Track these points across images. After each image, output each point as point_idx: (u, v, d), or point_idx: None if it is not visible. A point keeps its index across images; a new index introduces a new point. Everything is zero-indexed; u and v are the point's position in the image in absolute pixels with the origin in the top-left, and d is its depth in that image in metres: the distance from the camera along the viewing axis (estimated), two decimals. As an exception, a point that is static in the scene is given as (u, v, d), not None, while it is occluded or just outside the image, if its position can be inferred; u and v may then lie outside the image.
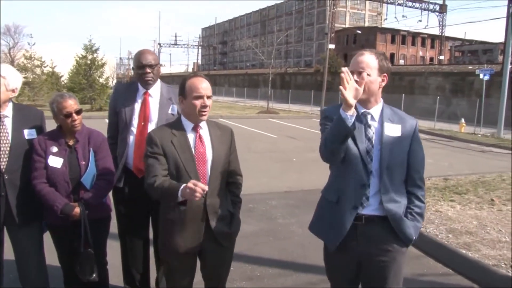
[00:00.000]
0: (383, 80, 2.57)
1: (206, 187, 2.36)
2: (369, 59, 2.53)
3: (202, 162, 2.72)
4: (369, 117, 2.59)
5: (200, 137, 2.74)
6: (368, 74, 2.50)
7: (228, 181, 2.94)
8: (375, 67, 2.52)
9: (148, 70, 3.47)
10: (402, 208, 2.58)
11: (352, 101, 2.30)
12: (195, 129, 2.74)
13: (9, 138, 3.10)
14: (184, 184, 2.44)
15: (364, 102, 2.57)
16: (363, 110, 2.59)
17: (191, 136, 2.73)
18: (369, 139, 2.55)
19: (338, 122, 2.33)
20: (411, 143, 2.60)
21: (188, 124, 2.74)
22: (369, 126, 2.57)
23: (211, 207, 2.73)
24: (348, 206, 2.61)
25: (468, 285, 4.51)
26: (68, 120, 3.08)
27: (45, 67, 30.02)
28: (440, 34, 54.73)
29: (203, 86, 2.67)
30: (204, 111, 2.67)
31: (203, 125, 2.80)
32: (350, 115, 2.30)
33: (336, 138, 2.38)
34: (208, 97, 2.68)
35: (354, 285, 2.78)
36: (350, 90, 2.30)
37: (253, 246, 5.28)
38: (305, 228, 6.00)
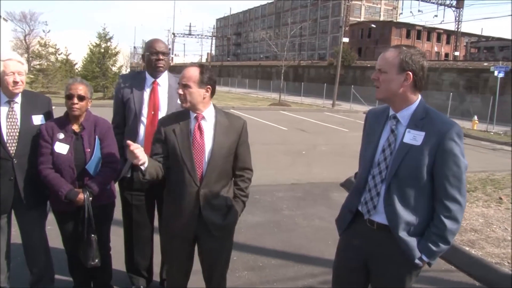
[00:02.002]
0: (406, 79, 2.33)
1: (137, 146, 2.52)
2: (389, 56, 2.37)
3: (200, 152, 2.76)
4: (394, 121, 2.44)
5: (199, 126, 2.78)
6: (384, 72, 2.38)
7: (236, 173, 2.96)
8: (395, 64, 2.34)
9: (161, 57, 3.50)
10: (404, 225, 2.36)
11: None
12: (197, 118, 2.79)
13: (18, 123, 3.19)
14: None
15: (389, 103, 2.47)
16: (391, 113, 2.47)
17: (192, 125, 2.79)
18: (389, 145, 2.42)
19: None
20: (436, 155, 2.29)
21: (192, 114, 2.80)
22: (393, 131, 2.43)
23: (204, 196, 2.77)
24: (346, 208, 2.66)
25: (470, 282, 4.52)
26: (68, 102, 3.13)
27: (59, 54, 30.29)
28: (456, 29, 53.98)
29: (183, 75, 2.74)
30: (181, 100, 2.76)
31: (209, 114, 2.83)
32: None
33: None
34: (184, 86, 2.72)
35: (357, 281, 2.65)
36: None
37: (257, 237, 5.32)
38: (310, 220, 6.13)
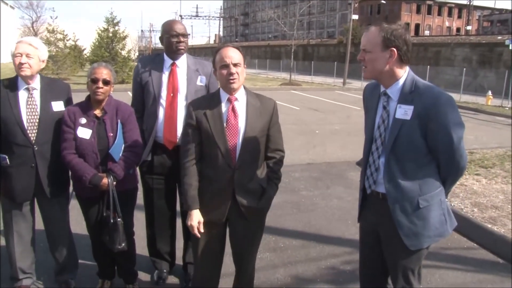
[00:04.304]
0: (391, 56, 2.36)
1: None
2: (371, 35, 2.39)
3: (234, 134, 2.70)
4: (386, 97, 2.48)
5: (233, 108, 2.72)
6: (369, 51, 2.40)
7: (268, 155, 2.90)
8: (378, 42, 2.36)
9: (182, 39, 3.44)
10: (405, 202, 2.46)
11: None
12: (230, 100, 2.72)
13: (38, 110, 3.16)
14: (195, 210, 2.75)
15: (379, 80, 2.51)
16: (382, 90, 2.51)
17: (224, 108, 2.72)
18: (383, 122, 2.48)
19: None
20: (426, 128, 2.34)
21: (224, 96, 2.73)
22: (385, 108, 2.48)
23: (238, 179, 2.73)
24: (360, 186, 2.74)
25: (493, 259, 4.48)
26: (93, 86, 3.09)
27: (67, 40, 30.25)
28: (468, 3, 53.06)
29: (229, 54, 2.64)
30: (231, 79, 2.63)
31: (241, 96, 2.77)
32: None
33: None
34: (235, 65, 2.63)
35: (375, 255, 2.74)
36: None
37: (276, 218, 5.30)
38: (329, 200, 6.11)
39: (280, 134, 2.96)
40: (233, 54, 2.64)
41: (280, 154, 2.95)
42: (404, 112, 2.37)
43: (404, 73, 2.44)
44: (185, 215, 3.02)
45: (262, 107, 2.81)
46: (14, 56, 3.07)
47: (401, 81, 2.43)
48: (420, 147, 2.40)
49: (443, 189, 2.54)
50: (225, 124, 2.69)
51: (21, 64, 3.06)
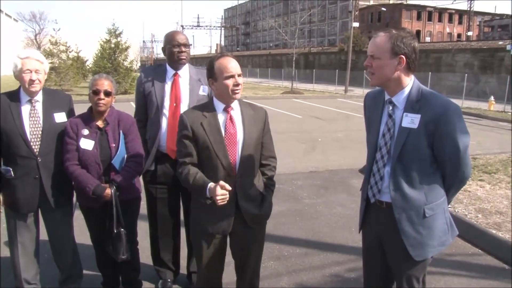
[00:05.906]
0: (399, 63, 2.33)
1: (229, 188, 2.54)
2: (380, 42, 2.36)
3: (233, 144, 2.69)
4: (391, 106, 2.45)
5: (231, 118, 2.72)
6: (377, 58, 2.37)
7: (262, 163, 2.91)
8: (387, 49, 2.33)
9: (184, 49, 3.48)
10: (410, 211, 2.44)
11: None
12: (226, 109, 2.72)
13: (41, 122, 3.19)
14: (210, 183, 2.58)
15: (384, 88, 2.48)
16: (387, 98, 2.49)
17: (221, 117, 2.71)
18: (389, 130, 2.46)
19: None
20: (434, 137, 2.33)
21: (219, 105, 2.73)
22: (390, 116, 2.45)
23: (241, 188, 2.72)
24: (363, 196, 2.70)
25: (498, 265, 4.46)
26: (95, 97, 3.12)
27: (70, 52, 30.43)
28: (468, 9, 53.14)
29: (233, 65, 2.64)
30: (237, 90, 2.65)
31: (235, 105, 2.77)
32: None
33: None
34: (239, 75, 2.65)
35: (379, 264, 2.71)
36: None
37: (280, 226, 5.31)
38: (332, 208, 6.10)
39: (272, 141, 2.98)
40: (236, 65, 2.66)
41: (274, 161, 2.99)
42: (411, 120, 2.35)
43: (410, 81, 2.42)
44: (188, 224, 3.03)
45: (256, 115, 2.83)
46: (22, 72, 3.09)
47: (407, 90, 2.41)
48: (426, 156, 2.38)
49: (446, 197, 2.53)
50: (224, 135, 2.69)
51: (32, 81, 3.09)
